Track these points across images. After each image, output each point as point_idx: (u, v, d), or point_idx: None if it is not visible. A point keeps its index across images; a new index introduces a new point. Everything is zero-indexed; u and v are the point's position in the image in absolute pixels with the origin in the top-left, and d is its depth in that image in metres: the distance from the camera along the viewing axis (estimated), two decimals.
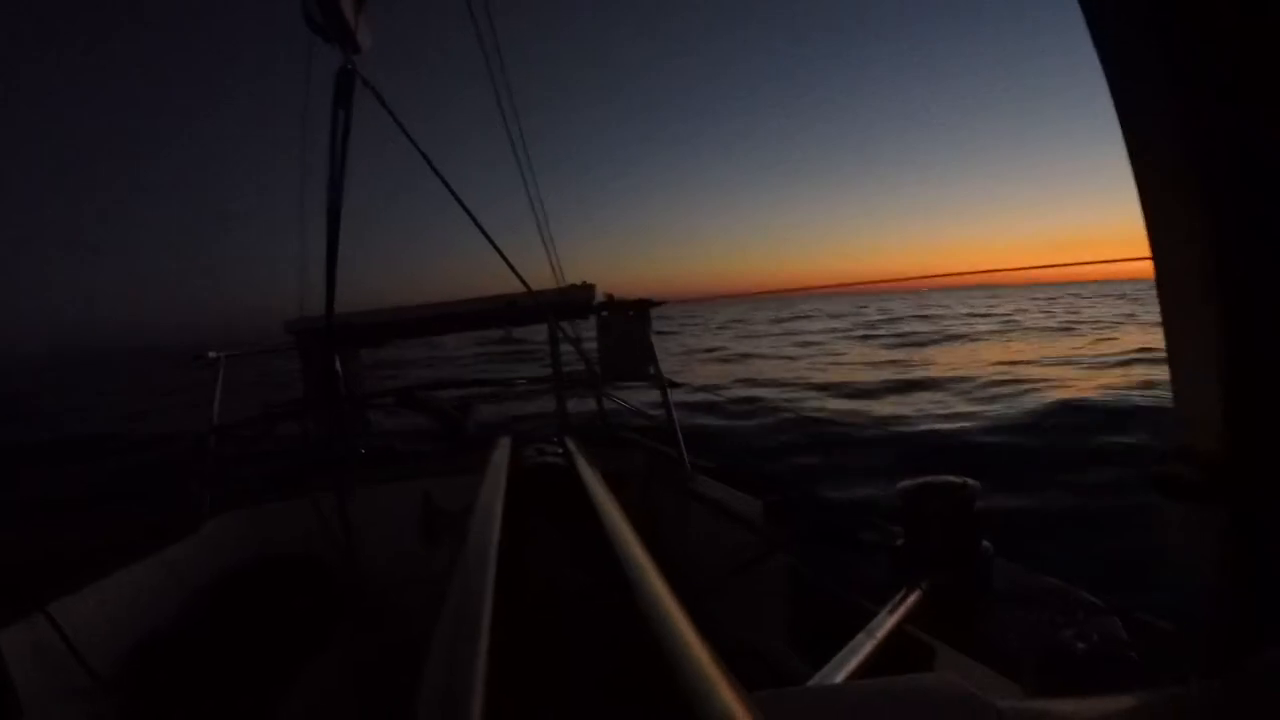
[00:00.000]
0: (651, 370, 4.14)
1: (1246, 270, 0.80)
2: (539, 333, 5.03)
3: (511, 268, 3.60)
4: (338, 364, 4.41)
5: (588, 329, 4.45)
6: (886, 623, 1.61)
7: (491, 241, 3.43)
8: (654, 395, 4.23)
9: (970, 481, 1.95)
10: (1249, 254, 0.79)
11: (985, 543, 2.01)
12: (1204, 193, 0.81)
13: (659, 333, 4.24)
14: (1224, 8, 0.74)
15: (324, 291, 2.67)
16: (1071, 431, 9.17)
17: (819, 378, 17.14)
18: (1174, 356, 0.92)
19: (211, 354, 3.87)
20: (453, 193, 3.03)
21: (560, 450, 1.82)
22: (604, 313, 4.22)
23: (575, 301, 4.35)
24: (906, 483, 2.07)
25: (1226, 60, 0.75)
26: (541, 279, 4.17)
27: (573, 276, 4.38)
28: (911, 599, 1.77)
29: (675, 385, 4.25)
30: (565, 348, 4.61)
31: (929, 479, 2.03)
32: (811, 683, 1.31)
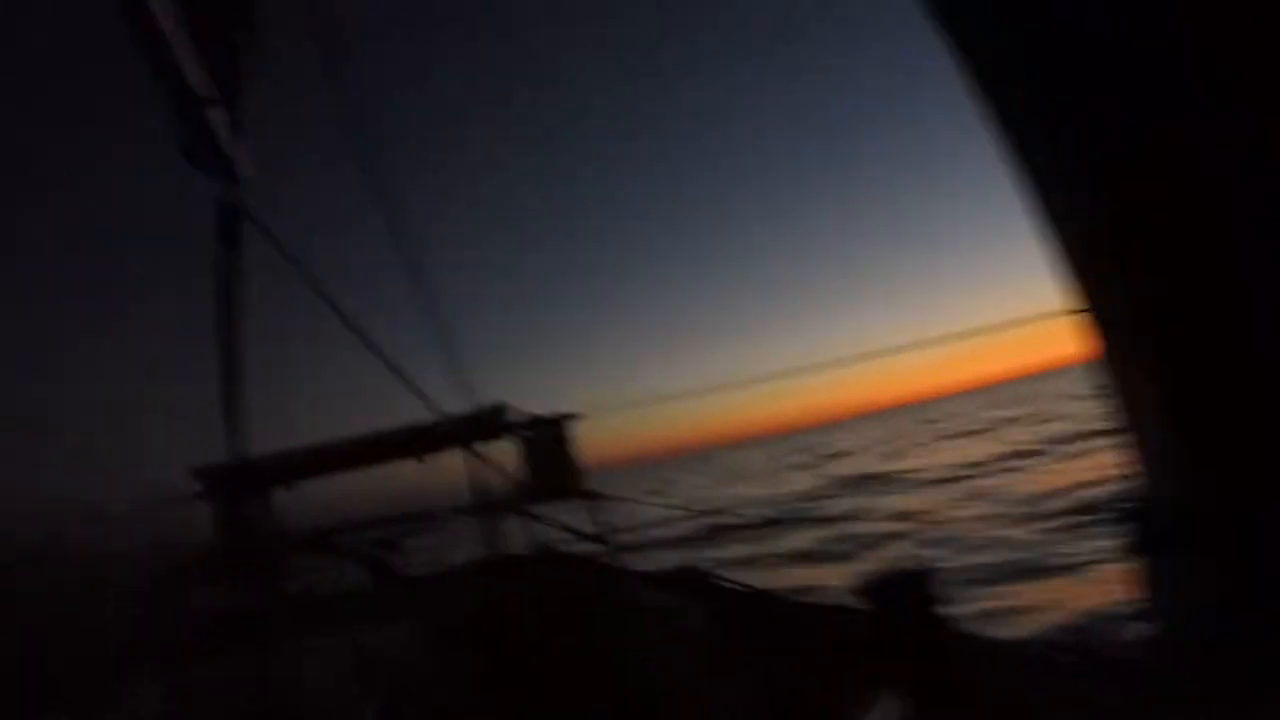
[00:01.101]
0: (580, 483, 4.00)
1: (1184, 314, 0.79)
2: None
3: (419, 393, 3.43)
4: (249, 509, 4.06)
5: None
6: None
7: (393, 367, 3.26)
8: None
9: (930, 567, 1.90)
10: (1183, 297, 0.79)
11: (956, 625, 1.94)
12: (1131, 249, 0.81)
13: None
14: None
15: (227, 434, 2.42)
16: None
17: None
18: (1123, 408, 0.91)
19: (115, 508, 3.51)
20: (349, 323, 2.87)
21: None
22: (524, 432, 4.07)
23: (490, 422, 4.19)
24: (871, 574, 1.98)
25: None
26: (452, 402, 4.01)
27: (483, 398, 4.22)
28: (891, 704, 1.65)
29: (601, 498, 4.11)
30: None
31: (891, 570, 1.95)
32: None
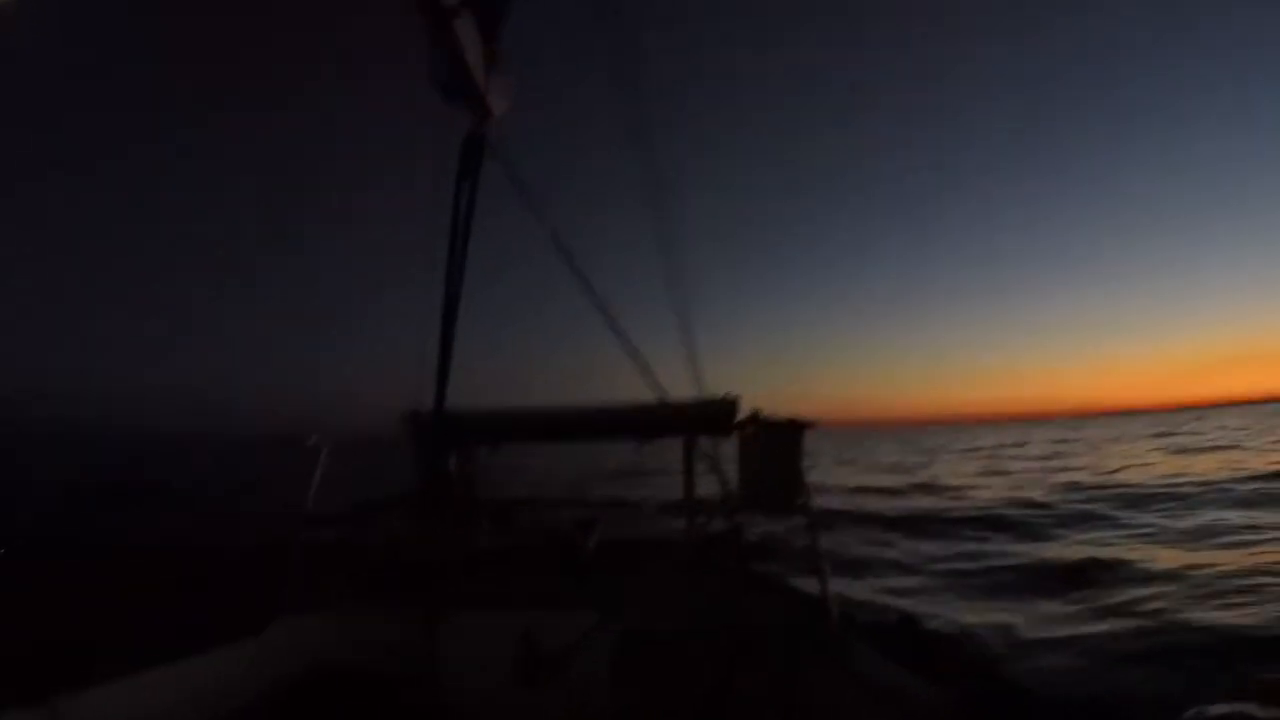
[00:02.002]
0: (800, 501, 3.54)
1: None
2: (674, 449, 4.53)
3: (646, 371, 3.22)
4: (451, 462, 4.13)
5: (730, 446, 3.94)
6: None
7: (625, 340, 3.07)
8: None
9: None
10: None
11: None
12: None
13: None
14: None
15: (439, 382, 2.36)
16: None
17: None
18: None
19: (312, 439, 3.70)
20: (587, 284, 2.70)
21: None
22: (748, 431, 3.68)
23: (716, 416, 3.86)
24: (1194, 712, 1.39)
25: None
26: (680, 389, 3.75)
27: (715, 389, 3.90)
28: None
29: (827, 522, 3.60)
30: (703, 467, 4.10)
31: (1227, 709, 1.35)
32: None
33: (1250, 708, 1.51)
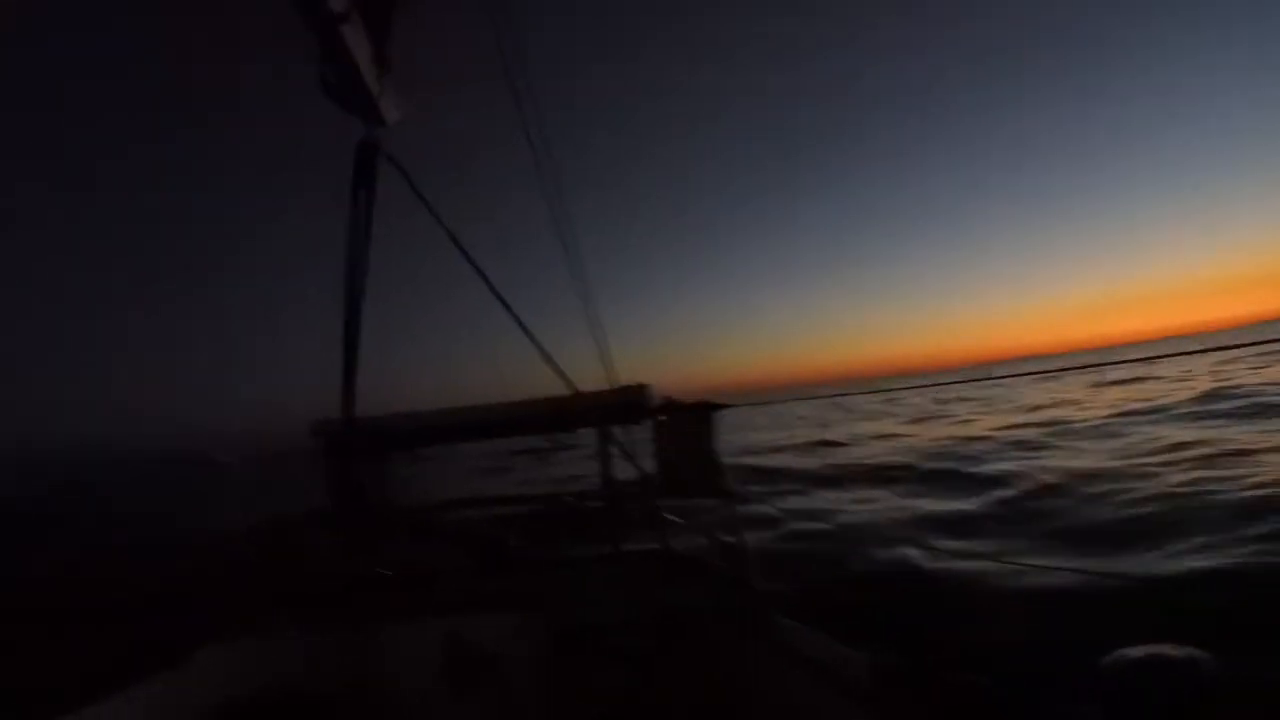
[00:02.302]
0: (718, 482, 3.66)
1: None
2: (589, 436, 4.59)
3: (554, 365, 3.27)
4: (363, 473, 4.05)
5: (645, 434, 4.02)
6: None
7: (531, 336, 3.11)
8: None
9: (1197, 654, 1.39)
10: None
11: None
12: None
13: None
14: None
15: (345, 390, 2.35)
16: None
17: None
18: None
19: (222, 458, 3.58)
20: (490, 285, 2.73)
21: None
22: (661, 417, 3.77)
23: (628, 404, 3.92)
24: (1112, 658, 1.49)
25: None
26: (592, 379, 3.81)
27: (625, 376, 3.98)
28: None
29: (744, 500, 3.75)
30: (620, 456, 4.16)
31: (1144, 651, 1.44)
32: None
33: (1165, 649, 1.56)
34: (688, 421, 3.63)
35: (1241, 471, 9.11)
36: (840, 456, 16.59)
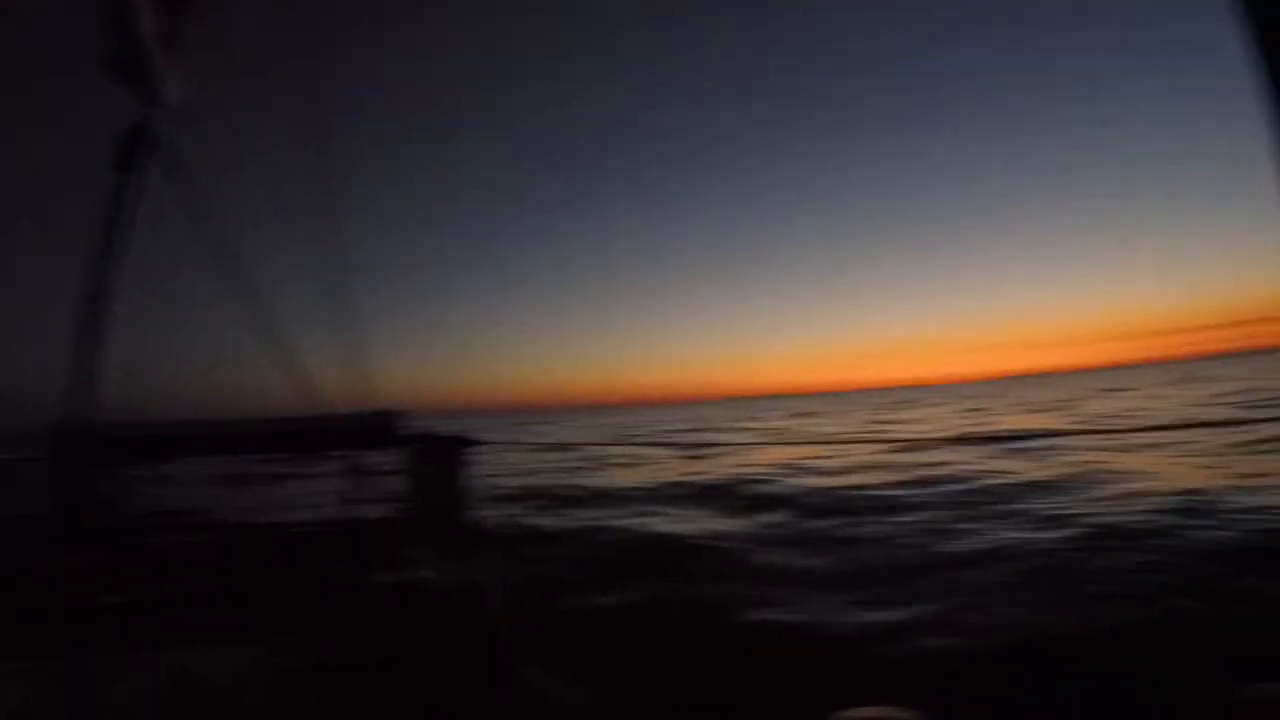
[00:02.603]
0: (468, 517, 3.66)
1: None
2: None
3: (307, 381, 3.10)
4: (97, 483, 3.47)
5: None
6: None
7: (286, 349, 2.95)
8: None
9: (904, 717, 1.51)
10: None
11: None
12: None
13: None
14: None
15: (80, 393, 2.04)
16: None
17: None
18: None
19: None
20: (247, 293, 2.57)
21: None
22: (414, 446, 3.69)
23: (375, 429, 3.77)
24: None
25: None
26: (347, 398, 3.65)
27: (384, 397, 3.83)
28: None
29: (493, 535, 3.79)
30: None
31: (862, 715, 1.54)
32: None
33: (888, 711, 1.50)
34: (440, 453, 3.61)
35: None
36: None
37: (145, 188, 1.85)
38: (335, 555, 4.64)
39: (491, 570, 3.60)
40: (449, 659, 3.54)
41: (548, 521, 11.28)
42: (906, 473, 13.03)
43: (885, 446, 17.60)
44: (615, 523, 10.58)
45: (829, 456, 16.75)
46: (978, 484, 11.60)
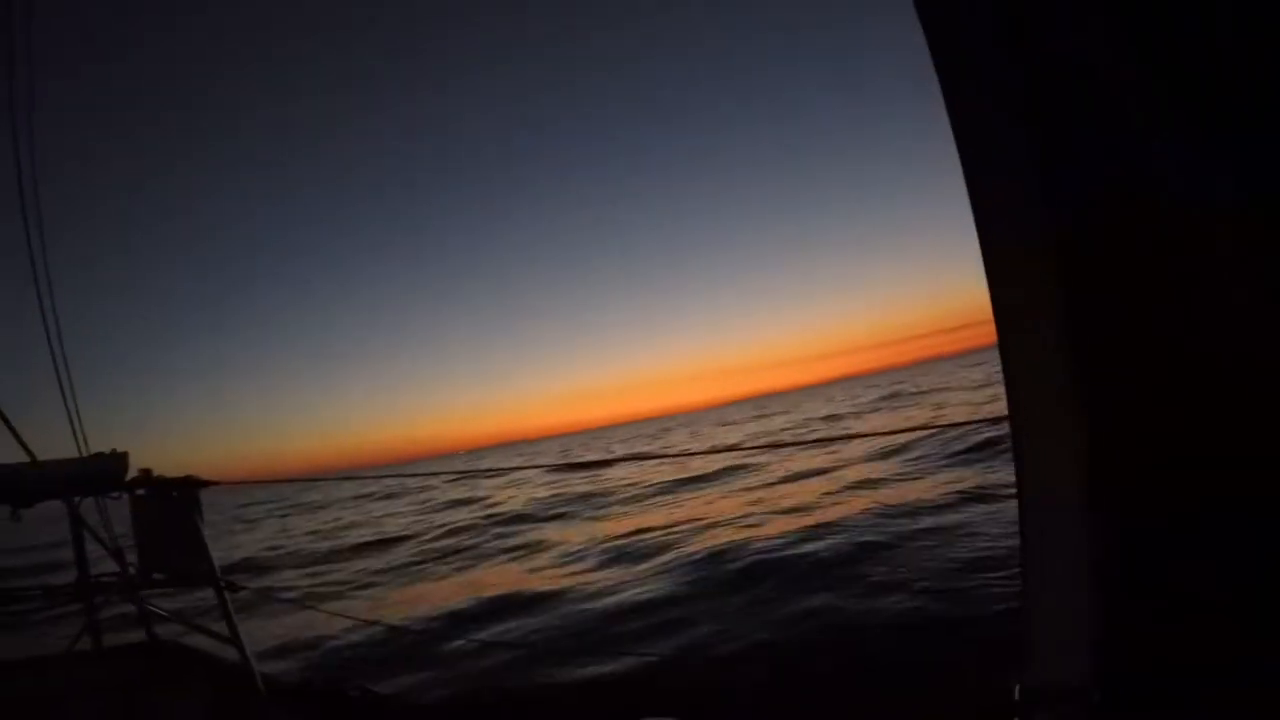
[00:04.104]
0: (203, 567, 3.52)
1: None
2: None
3: (9, 426, 2.98)
4: None
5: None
6: None
7: None
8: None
9: None
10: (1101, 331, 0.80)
11: None
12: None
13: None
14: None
15: None
16: None
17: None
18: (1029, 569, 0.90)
19: None
20: None
21: None
22: (139, 491, 3.54)
23: (101, 475, 3.60)
24: None
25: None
26: (60, 447, 3.49)
27: (103, 446, 3.68)
28: None
29: (235, 588, 3.64)
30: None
31: None
32: None
33: None
34: (169, 498, 3.49)
35: None
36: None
37: None
38: (63, 615, 4.31)
39: (232, 620, 3.47)
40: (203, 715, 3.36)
41: None
42: None
43: None
44: None
45: None
46: None
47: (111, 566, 3.77)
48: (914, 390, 40.81)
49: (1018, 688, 0.90)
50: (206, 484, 3.48)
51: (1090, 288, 0.79)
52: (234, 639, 3.50)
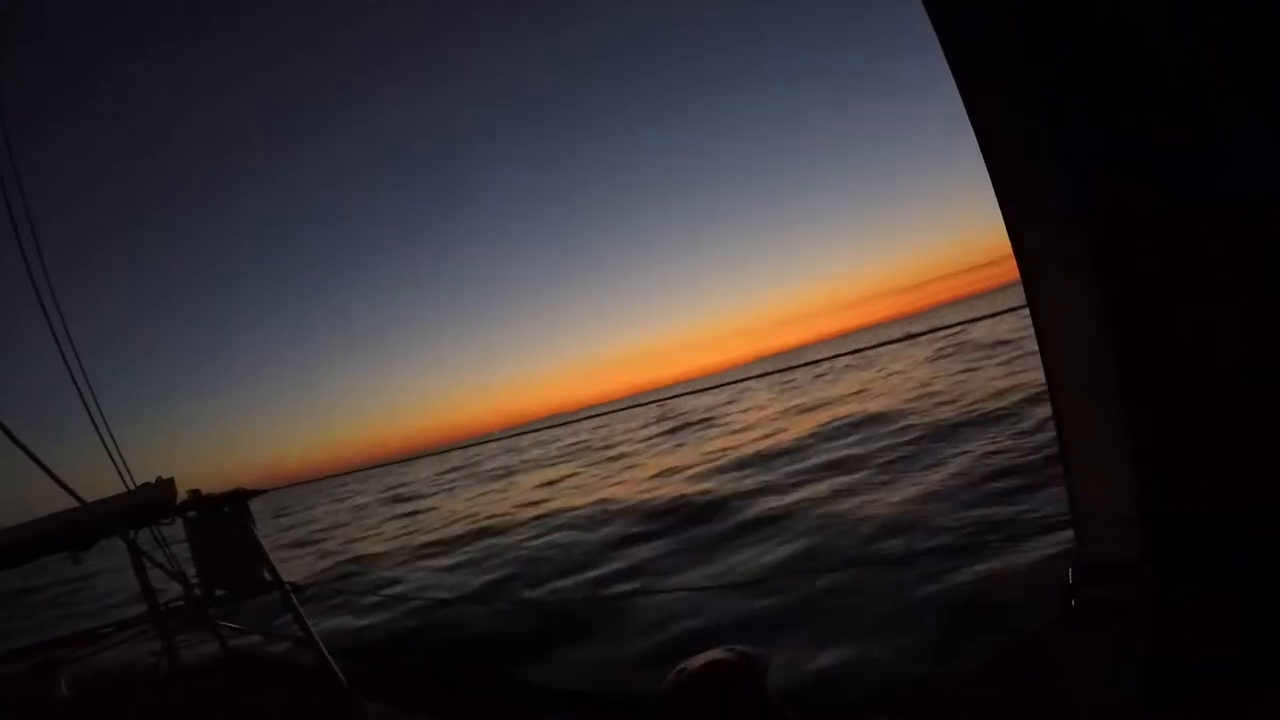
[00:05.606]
0: (265, 575, 3.59)
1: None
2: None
3: (53, 476, 3.02)
4: None
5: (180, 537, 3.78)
6: None
7: (20, 445, 2.88)
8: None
9: (752, 652, 1.55)
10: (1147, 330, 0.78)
11: None
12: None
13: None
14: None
15: None
16: None
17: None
18: (1071, 459, 0.88)
19: None
20: None
21: None
22: (190, 513, 3.61)
23: (151, 504, 3.66)
24: (676, 673, 1.58)
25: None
26: (106, 484, 3.55)
27: (146, 474, 3.73)
28: None
29: (300, 588, 3.72)
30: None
31: (703, 660, 1.56)
32: None
33: (719, 653, 1.53)
34: (220, 514, 3.55)
35: None
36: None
37: None
38: (140, 645, 4.43)
39: (304, 621, 3.55)
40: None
41: None
42: None
43: None
44: None
45: None
46: None
47: (176, 589, 3.86)
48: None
49: (1069, 570, 0.92)
50: (255, 493, 3.53)
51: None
52: (308, 639, 3.56)
